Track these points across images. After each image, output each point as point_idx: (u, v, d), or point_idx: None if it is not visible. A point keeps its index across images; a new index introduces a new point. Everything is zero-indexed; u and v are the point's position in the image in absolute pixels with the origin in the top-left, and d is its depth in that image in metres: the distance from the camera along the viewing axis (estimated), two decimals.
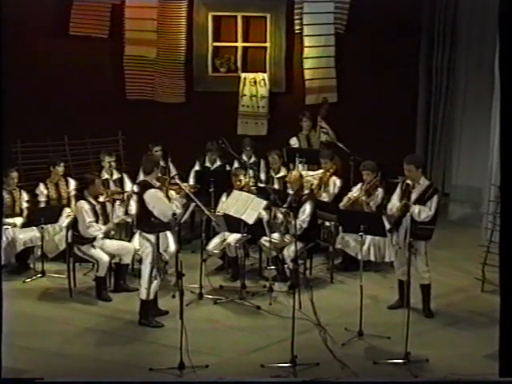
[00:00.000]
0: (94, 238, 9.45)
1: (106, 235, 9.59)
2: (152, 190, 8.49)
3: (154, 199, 8.45)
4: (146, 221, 8.52)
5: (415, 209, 8.55)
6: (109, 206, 9.58)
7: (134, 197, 9.66)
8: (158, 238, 8.44)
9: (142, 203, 8.55)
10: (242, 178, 10.10)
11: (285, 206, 9.79)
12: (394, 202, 8.79)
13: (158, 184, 8.59)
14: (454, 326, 8.65)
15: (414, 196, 8.66)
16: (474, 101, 12.38)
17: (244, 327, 8.62)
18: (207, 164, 11.71)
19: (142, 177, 10.51)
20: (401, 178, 11.69)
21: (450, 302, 9.23)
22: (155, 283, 8.54)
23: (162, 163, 10.19)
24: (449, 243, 11.13)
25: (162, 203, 8.45)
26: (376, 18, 12.73)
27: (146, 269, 8.53)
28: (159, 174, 8.79)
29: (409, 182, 8.74)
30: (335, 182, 10.77)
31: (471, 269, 10.00)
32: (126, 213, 10.13)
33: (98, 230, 9.38)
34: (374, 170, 10.27)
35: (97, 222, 9.43)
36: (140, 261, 9.67)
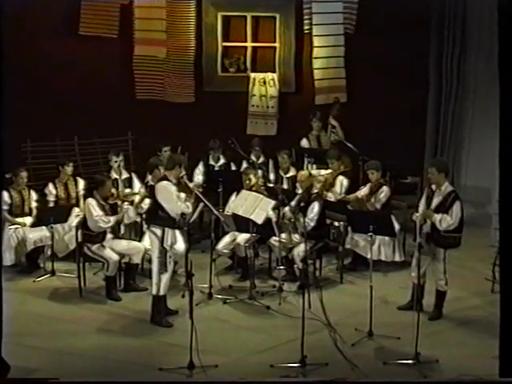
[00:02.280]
0: (104, 238, 9.46)
1: (116, 234, 9.61)
2: (164, 182, 8.50)
3: (164, 191, 8.46)
4: (153, 213, 8.57)
5: (436, 217, 8.47)
6: (120, 207, 9.56)
7: (146, 200, 9.69)
8: (163, 232, 8.45)
9: (153, 195, 8.58)
10: (251, 177, 10.09)
11: (293, 203, 9.79)
12: (419, 210, 8.65)
13: (174, 181, 8.58)
14: (464, 327, 8.64)
15: (434, 202, 8.59)
16: (484, 101, 12.35)
17: (253, 327, 8.62)
18: (211, 162, 11.72)
19: (150, 177, 10.57)
20: (410, 178, 11.75)
21: (460, 302, 9.21)
22: (165, 278, 8.53)
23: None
24: None
25: (171, 197, 8.43)
26: (385, 17, 12.71)
27: (154, 264, 8.56)
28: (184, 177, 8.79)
29: (433, 187, 8.67)
30: (342, 182, 10.76)
31: (481, 269, 9.99)
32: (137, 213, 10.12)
33: (106, 222, 9.36)
34: (378, 169, 10.27)
35: None
36: (150, 260, 9.70)
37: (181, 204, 8.50)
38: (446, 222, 8.45)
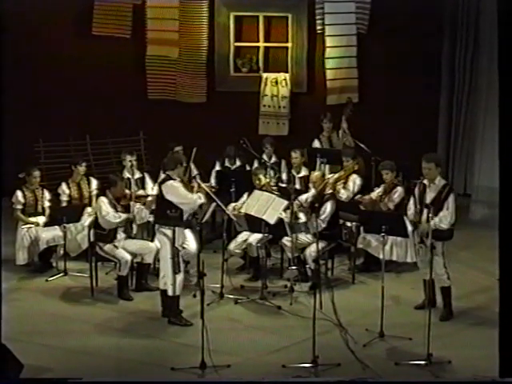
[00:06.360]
0: (115, 236, 9.47)
1: (128, 234, 9.63)
2: (170, 181, 8.53)
3: (172, 188, 8.48)
4: (162, 213, 8.53)
5: (435, 219, 8.36)
6: (132, 207, 9.57)
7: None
8: (174, 232, 8.43)
9: (161, 195, 8.59)
10: (261, 177, 10.09)
11: (302, 198, 9.78)
12: (410, 207, 8.70)
13: (178, 179, 8.61)
14: (476, 327, 8.61)
15: (429, 197, 8.54)
16: (496, 101, 12.26)
17: (265, 327, 8.62)
18: (227, 164, 11.73)
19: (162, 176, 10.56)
20: (422, 178, 11.71)
21: (471, 302, 9.19)
22: (179, 278, 8.53)
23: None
24: (470, 244, 11.09)
25: (181, 191, 8.46)
26: (398, 17, 12.70)
27: (167, 264, 8.52)
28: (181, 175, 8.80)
29: (425, 182, 8.66)
30: (355, 180, 10.74)
31: (493, 270, 9.89)
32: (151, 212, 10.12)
33: (116, 217, 9.38)
34: (392, 170, 10.26)
35: None
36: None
37: (193, 195, 8.52)
38: (446, 219, 8.42)
